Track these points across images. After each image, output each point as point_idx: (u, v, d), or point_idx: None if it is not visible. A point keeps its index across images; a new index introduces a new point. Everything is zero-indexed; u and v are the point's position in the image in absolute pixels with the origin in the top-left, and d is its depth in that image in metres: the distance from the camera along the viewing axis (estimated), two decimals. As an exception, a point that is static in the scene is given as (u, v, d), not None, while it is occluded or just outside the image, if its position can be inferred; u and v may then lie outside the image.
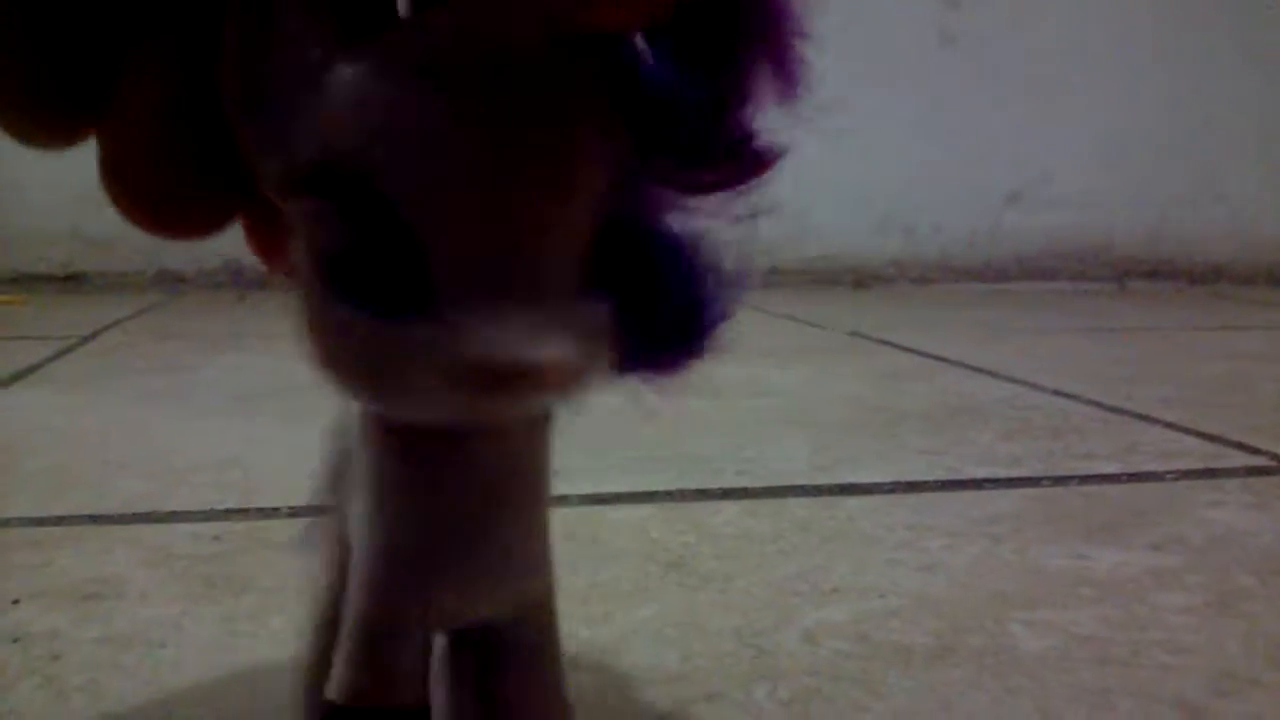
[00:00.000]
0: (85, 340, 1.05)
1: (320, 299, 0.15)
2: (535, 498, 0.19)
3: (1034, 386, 0.85)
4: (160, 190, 0.17)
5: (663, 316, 0.17)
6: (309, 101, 0.15)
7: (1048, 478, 0.58)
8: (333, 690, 0.18)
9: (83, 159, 0.18)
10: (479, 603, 0.19)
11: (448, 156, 0.15)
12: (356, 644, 0.18)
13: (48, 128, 0.17)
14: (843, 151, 1.70)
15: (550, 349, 0.15)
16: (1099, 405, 0.78)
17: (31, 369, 0.89)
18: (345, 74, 0.15)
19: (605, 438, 0.66)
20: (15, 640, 0.36)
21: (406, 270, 0.15)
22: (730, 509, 0.52)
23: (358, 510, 0.19)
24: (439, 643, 0.19)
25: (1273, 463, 0.62)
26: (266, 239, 0.18)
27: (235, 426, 0.67)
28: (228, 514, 0.50)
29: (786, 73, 0.16)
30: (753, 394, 0.81)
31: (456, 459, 0.18)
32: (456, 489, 0.18)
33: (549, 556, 0.20)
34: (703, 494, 0.54)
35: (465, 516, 0.18)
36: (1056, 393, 0.82)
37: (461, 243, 0.15)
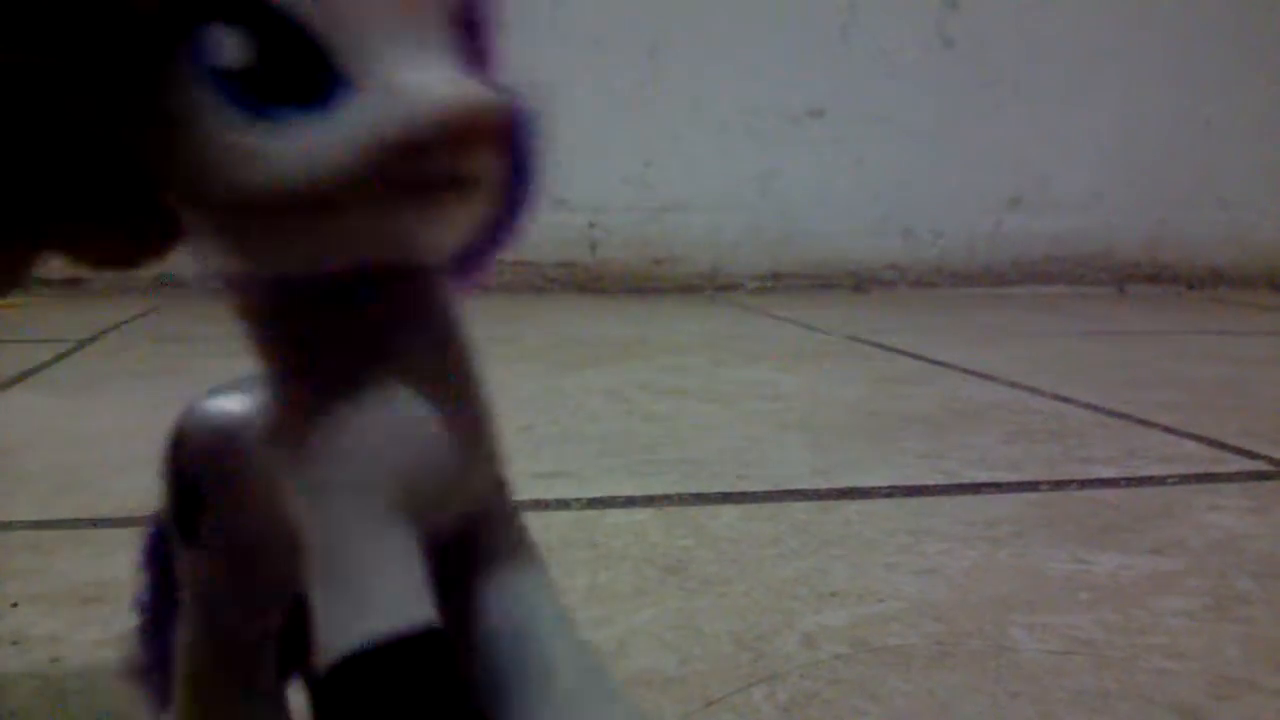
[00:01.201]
0: (85, 343, 1.05)
1: (227, 121, 0.15)
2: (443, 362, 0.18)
3: (1034, 390, 0.85)
4: None
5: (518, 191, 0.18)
6: None
7: (1047, 482, 0.58)
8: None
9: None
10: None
11: None
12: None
13: None
14: (842, 155, 1.71)
15: (472, 85, 0.15)
16: (1099, 409, 0.78)
17: (32, 372, 0.89)
18: None
19: (604, 441, 0.66)
20: (15, 643, 0.36)
21: (314, 66, 0.15)
22: (730, 512, 0.52)
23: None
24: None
25: (1272, 467, 0.62)
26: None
27: (235, 430, 0.67)
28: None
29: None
30: (752, 398, 0.81)
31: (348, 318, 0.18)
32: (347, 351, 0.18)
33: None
34: (702, 498, 0.54)
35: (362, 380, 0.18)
36: (1056, 397, 0.82)
37: (366, 22, 0.15)
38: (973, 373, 0.93)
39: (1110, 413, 0.76)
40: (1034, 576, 0.43)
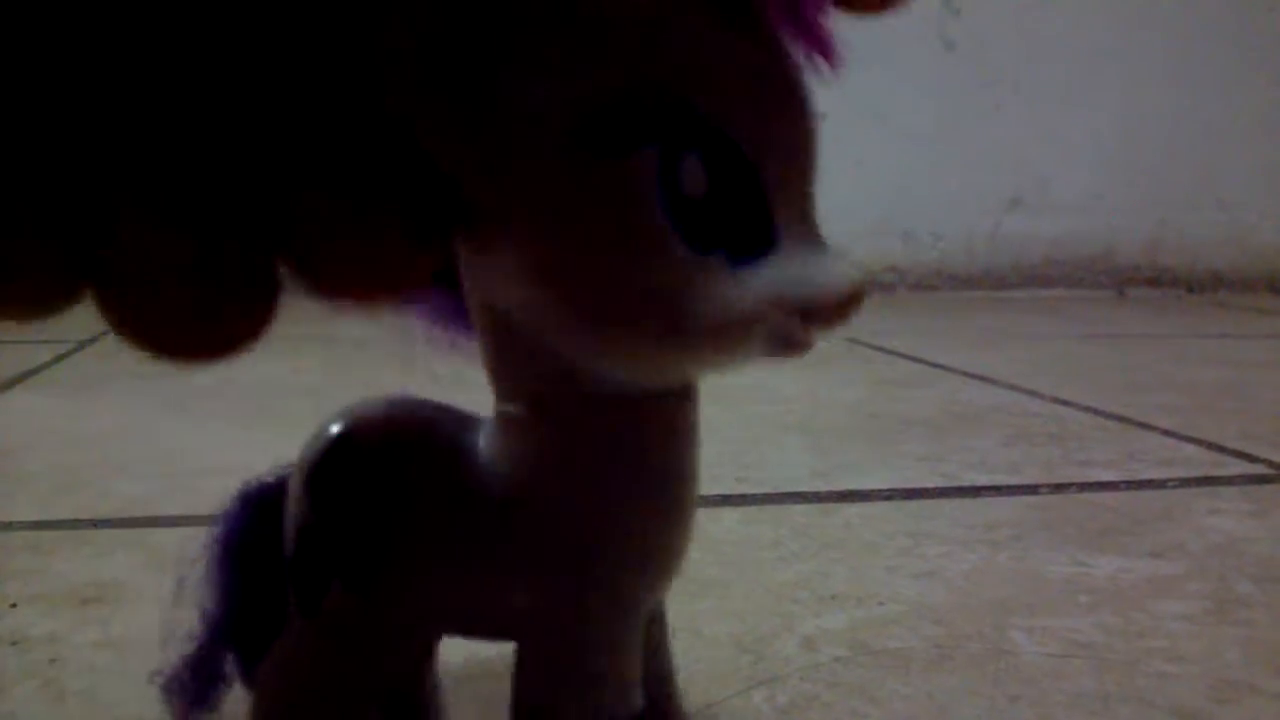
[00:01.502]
0: (86, 344, 1.05)
1: (655, 254, 0.15)
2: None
3: (1033, 394, 0.85)
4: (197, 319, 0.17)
5: None
6: (624, 24, 0.15)
7: (1047, 485, 0.58)
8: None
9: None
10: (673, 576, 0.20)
11: (778, 88, 0.16)
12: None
13: (46, 297, 0.17)
14: (842, 157, 1.71)
15: (856, 269, 0.16)
16: (1098, 412, 0.78)
17: (32, 372, 0.89)
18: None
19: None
20: (14, 644, 0.36)
21: (752, 211, 0.15)
22: (730, 515, 0.52)
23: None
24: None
25: (1271, 470, 0.62)
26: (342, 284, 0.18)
27: (236, 430, 0.67)
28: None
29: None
30: (752, 400, 0.81)
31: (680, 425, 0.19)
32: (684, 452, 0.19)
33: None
34: (702, 500, 0.54)
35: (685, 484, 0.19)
36: (1056, 400, 0.82)
37: (790, 178, 0.16)
38: (972, 376, 0.93)
39: (1110, 416, 0.76)
40: (1033, 579, 0.43)
